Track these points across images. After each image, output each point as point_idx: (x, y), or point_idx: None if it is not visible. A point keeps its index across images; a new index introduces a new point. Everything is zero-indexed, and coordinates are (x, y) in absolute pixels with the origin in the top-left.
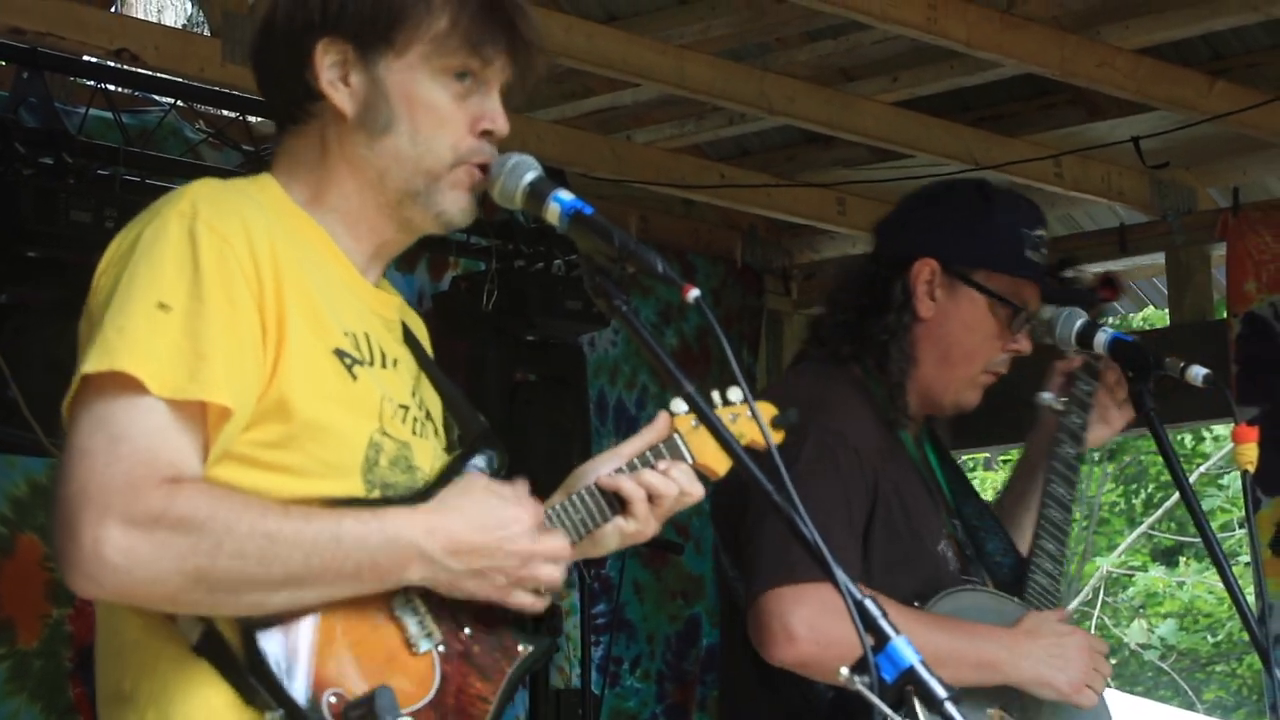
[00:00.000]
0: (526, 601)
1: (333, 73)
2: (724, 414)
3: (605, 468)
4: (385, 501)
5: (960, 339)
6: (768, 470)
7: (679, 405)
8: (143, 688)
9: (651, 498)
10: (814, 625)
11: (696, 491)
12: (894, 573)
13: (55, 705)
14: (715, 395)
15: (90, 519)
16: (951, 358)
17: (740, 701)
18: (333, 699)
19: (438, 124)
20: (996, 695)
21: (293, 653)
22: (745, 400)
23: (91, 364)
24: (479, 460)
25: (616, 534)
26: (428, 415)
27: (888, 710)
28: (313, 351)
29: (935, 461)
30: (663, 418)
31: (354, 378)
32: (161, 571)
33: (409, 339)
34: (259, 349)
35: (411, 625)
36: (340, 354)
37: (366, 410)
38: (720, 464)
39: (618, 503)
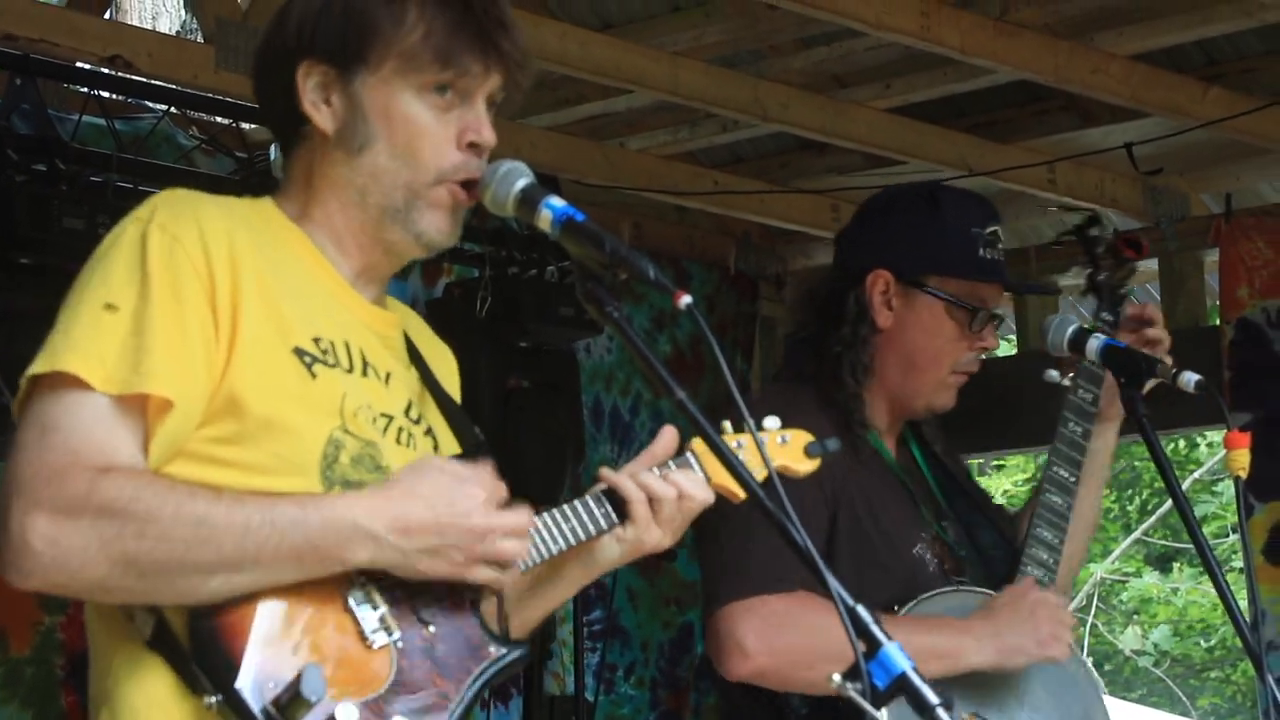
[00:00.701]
0: (488, 576)
1: (315, 94)
2: (737, 437)
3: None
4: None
5: (922, 345)
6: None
7: (725, 425)
8: (103, 686)
9: (651, 501)
10: (764, 637)
11: (699, 495)
12: (866, 580)
13: (47, 713)
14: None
15: (17, 509)
16: (916, 364)
17: (735, 705)
18: (271, 684)
19: (416, 138)
20: (971, 697)
21: (238, 641)
22: (749, 430)
23: (37, 365)
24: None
25: (617, 544)
26: (427, 431)
27: (880, 716)
28: (269, 349)
29: (923, 463)
30: (669, 432)
31: (313, 376)
32: (88, 558)
33: (415, 358)
34: (209, 345)
35: (368, 619)
36: (300, 352)
37: (325, 408)
38: (739, 486)
39: (618, 513)
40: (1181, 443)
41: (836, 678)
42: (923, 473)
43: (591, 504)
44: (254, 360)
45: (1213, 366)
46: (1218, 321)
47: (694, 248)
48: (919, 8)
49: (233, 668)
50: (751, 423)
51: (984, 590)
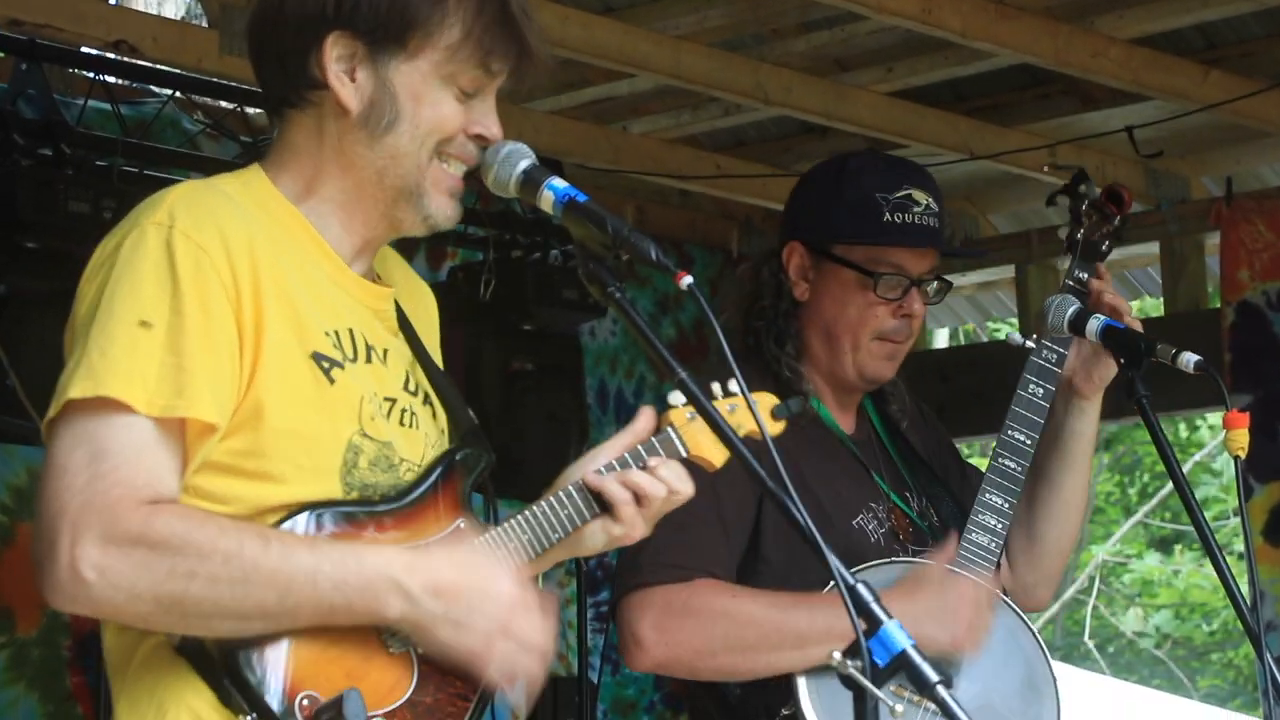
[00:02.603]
0: (509, 664)
1: (339, 66)
2: (722, 405)
3: (594, 464)
4: (364, 502)
5: (835, 315)
6: (766, 462)
7: (676, 397)
8: (118, 678)
9: (639, 499)
10: (659, 627)
11: (686, 490)
12: (796, 552)
13: (53, 694)
14: (715, 387)
15: (67, 536)
16: (833, 334)
17: (685, 685)
18: (305, 701)
19: (439, 126)
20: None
21: (266, 657)
22: (741, 391)
23: (77, 389)
24: (464, 454)
25: (603, 535)
26: (425, 399)
27: (880, 694)
28: (289, 358)
29: (883, 435)
30: (646, 413)
31: (331, 381)
32: (136, 593)
33: (403, 325)
34: (236, 359)
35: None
36: (318, 358)
37: (345, 413)
38: (717, 456)
39: (603, 505)
40: (1182, 425)
41: (837, 655)
42: (883, 443)
43: (574, 497)
44: (276, 371)
45: (1213, 349)
46: (1218, 304)
47: (696, 231)
48: None
49: (265, 685)
50: (756, 407)
51: (919, 561)
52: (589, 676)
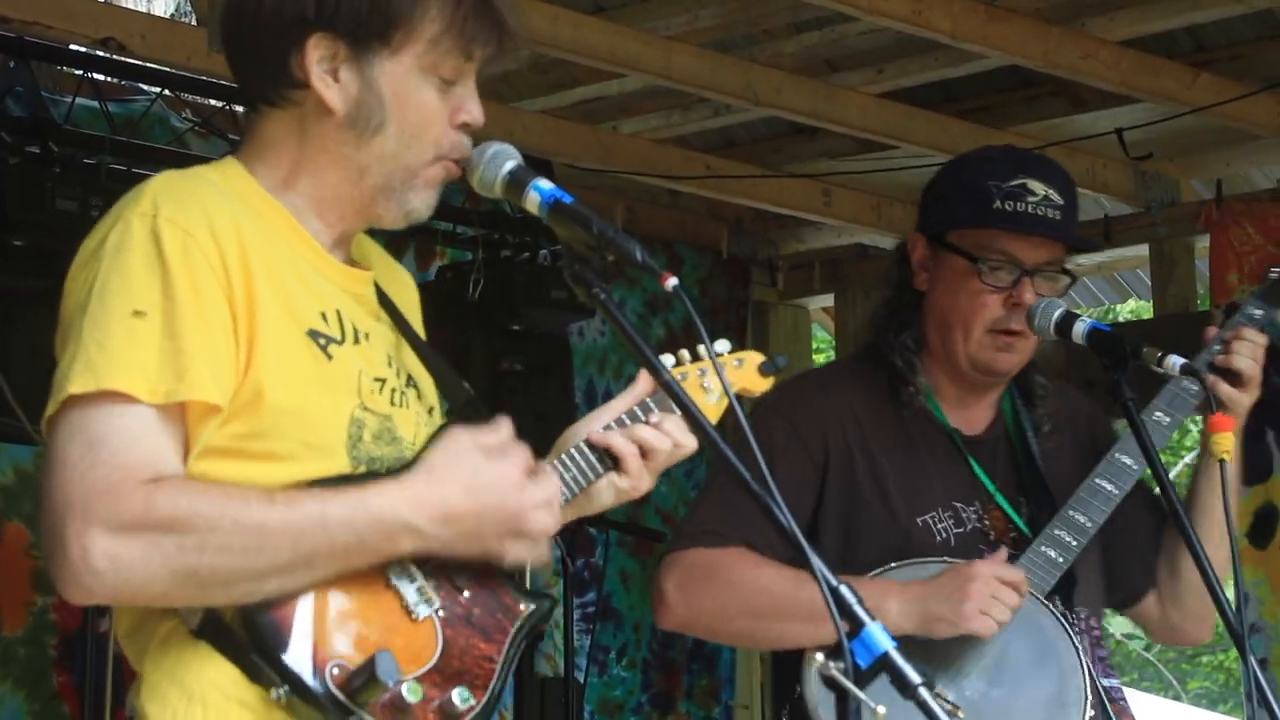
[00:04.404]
0: (522, 554)
1: (322, 67)
2: (708, 365)
3: (596, 425)
4: (371, 475)
5: (948, 304)
6: (738, 437)
7: (669, 359)
8: (150, 668)
9: (645, 453)
10: (682, 587)
11: (689, 443)
12: (851, 542)
13: (39, 692)
14: (701, 350)
15: (75, 528)
16: (947, 323)
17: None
18: (335, 670)
19: (425, 122)
20: (929, 663)
21: (293, 629)
22: (709, 355)
23: (77, 384)
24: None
25: (611, 490)
26: (408, 381)
27: (862, 695)
28: (286, 336)
29: (1013, 435)
30: (644, 375)
31: (329, 357)
32: (150, 573)
33: (385, 304)
34: (231, 340)
35: (409, 593)
36: (314, 335)
37: (345, 388)
38: (712, 412)
39: (610, 459)
40: None
41: (819, 657)
42: (1012, 447)
43: (588, 452)
44: (273, 350)
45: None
46: (1208, 306)
47: (686, 232)
48: None
49: (295, 656)
50: (710, 346)
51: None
52: (575, 677)
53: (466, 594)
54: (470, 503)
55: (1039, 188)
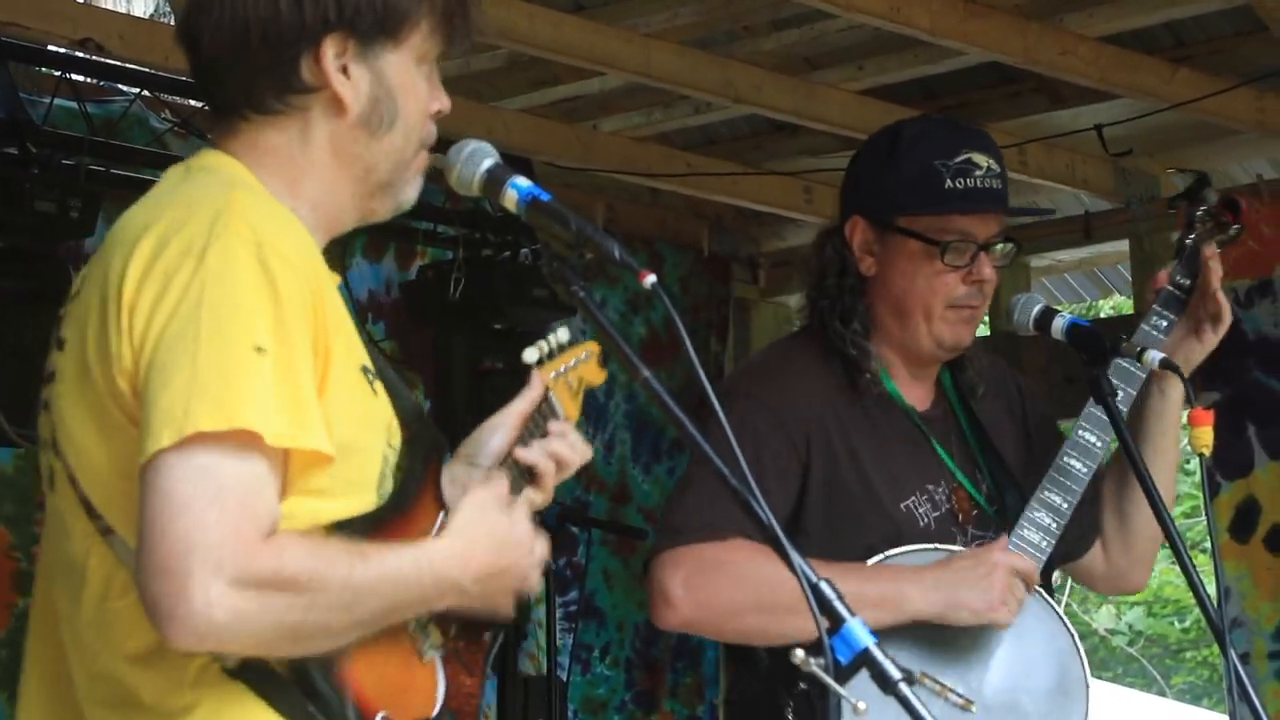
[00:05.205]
0: (510, 611)
1: (335, 64)
2: (568, 358)
3: (499, 434)
4: (381, 511)
5: (904, 287)
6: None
7: (530, 355)
8: (172, 702)
9: (559, 466)
10: (690, 585)
11: (587, 453)
12: (838, 530)
13: None
14: (544, 341)
15: (200, 574)
16: (904, 307)
17: (729, 652)
18: (381, 717)
19: (421, 113)
20: (924, 659)
21: (337, 677)
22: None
23: (208, 420)
24: (426, 443)
25: (526, 505)
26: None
27: (843, 692)
28: (348, 373)
29: (959, 411)
30: (536, 377)
31: (375, 393)
32: (262, 627)
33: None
34: (315, 381)
35: (419, 635)
36: (365, 370)
37: (383, 424)
38: (574, 411)
39: (529, 475)
40: None
41: (800, 654)
42: (958, 418)
43: (512, 470)
44: (341, 387)
45: None
46: None
47: (667, 230)
48: None
49: (344, 706)
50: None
51: (957, 549)
52: (558, 676)
53: (453, 629)
54: (500, 561)
55: (981, 160)
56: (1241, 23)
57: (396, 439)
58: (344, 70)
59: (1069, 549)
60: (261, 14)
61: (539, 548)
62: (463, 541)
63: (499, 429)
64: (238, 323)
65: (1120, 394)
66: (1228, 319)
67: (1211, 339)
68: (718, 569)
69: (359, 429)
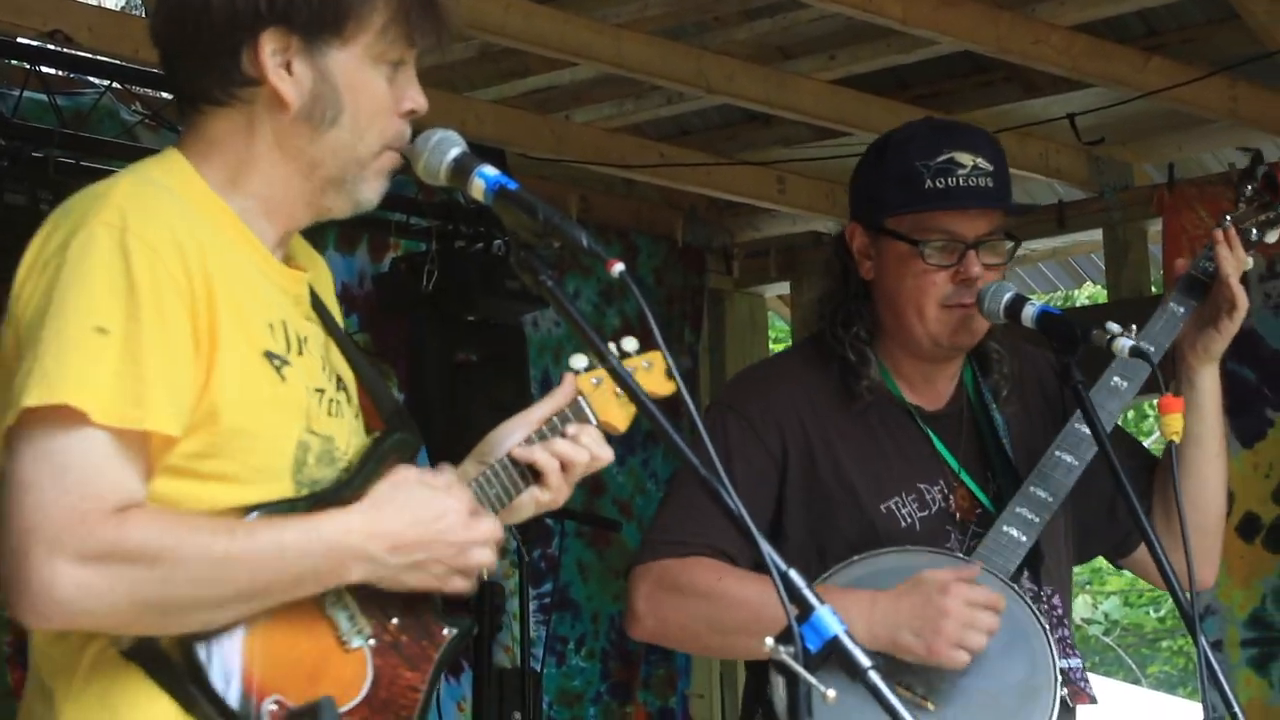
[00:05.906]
0: (461, 587)
1: (275, 60)
2: (628, 365)
3: (516, 434)
4: (313, 499)
5: (895, 288)
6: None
7: (578, 361)
8: (61, 684)
9: (564, 466)
10: (649, 599)
11: (605, 455)
12: (816, 531)
13: None
14: (611, 346)
15: (41, 556)
16: (897, 308)
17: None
18: (273, 706)
19: (377, 111)
20: (899, 671)
21: (229, 660)
22: (612, 365)
23: (33, 396)
24: (394, 439)
25: (532, 503)
26: (338, 384)
27: (812, 679)
28: (244, 358)
29: (979, 411)
30: (568, 380)
31: (283, 379)
32: (114, 602)
33: (315, 305)
34: (191, 364)
35: (343, 622)
36: (270, 356)
37: (295, 411)
38: (622, 420)
39: (531, 474)
40: (1131, 412)
41: (769, 641)
42: (975, 420)
43: (504, 471)
44: (233, 372)
45: None
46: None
47: (641, 220)
48: None
49: (231, 688)
50: (614, 353)
51: (939, 551)
52: (533, 668)
53: (395, 621)
54: (419, 534)
55: (966, 159)
56: (1214, 11)
57: (323, 427)
58: (287, 66)
59: (1118, 544)
60: (195, 4)
61: (484, 526)
62: (370, 513)
63: (516, 430)
64: (83, 305)
65: (1126, 384)
66: (1243, 306)
67: (1230, 327)
68: (675, 588)
69: (262, 413)
